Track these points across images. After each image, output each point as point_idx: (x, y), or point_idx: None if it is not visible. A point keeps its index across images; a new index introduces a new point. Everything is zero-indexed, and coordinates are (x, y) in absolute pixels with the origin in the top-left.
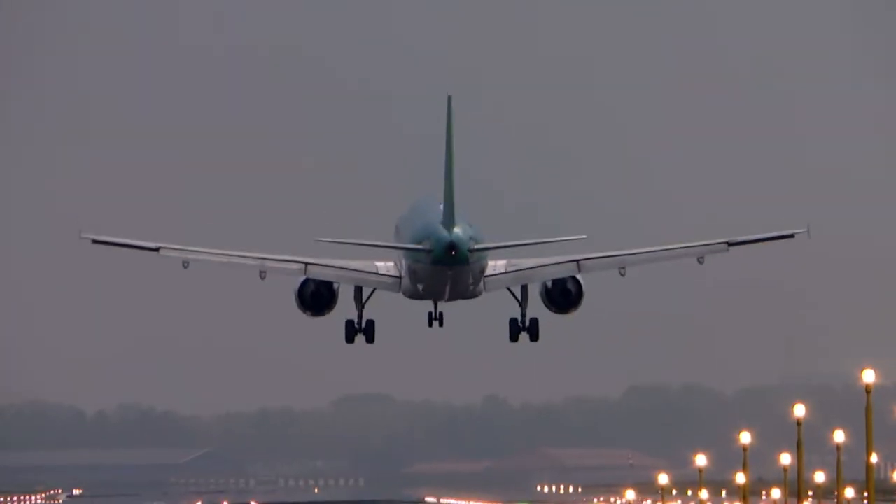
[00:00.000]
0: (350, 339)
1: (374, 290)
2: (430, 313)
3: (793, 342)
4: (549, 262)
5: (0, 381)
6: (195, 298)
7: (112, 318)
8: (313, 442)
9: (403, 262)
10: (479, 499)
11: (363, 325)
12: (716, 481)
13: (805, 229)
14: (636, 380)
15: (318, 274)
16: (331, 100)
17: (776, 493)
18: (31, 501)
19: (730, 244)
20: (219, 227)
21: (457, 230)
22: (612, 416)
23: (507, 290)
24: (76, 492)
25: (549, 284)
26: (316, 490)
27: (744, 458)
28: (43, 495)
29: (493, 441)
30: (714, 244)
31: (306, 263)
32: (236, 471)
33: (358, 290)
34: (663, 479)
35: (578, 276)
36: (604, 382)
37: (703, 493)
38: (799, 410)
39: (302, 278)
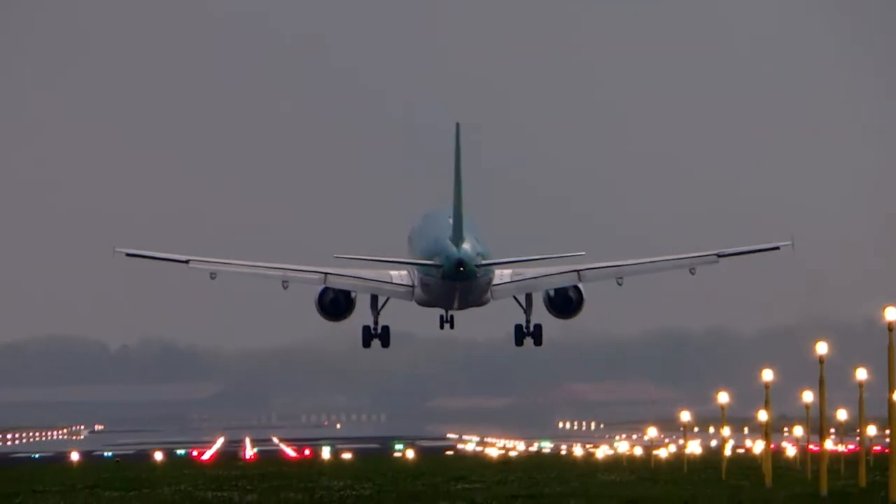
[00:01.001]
0: (367, 343)
1: (389, 297)
2: (441, 316)
3: (815, 282)
4: (552, 272)
5: (23, 317)
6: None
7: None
8: (336, 378)
9: (416, 274)
10: (500, 435)
11: (378, 330)
12: (738, 419)
13: (789, 241)
14: (659, 318)
15: (336, 283)
16: (351, 116)
17: (798, 430)
18: (53, 436)
19: (719, 256)
20: (245, 239)
21: (465, 247)
22: (635, 353)
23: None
24: (98, 427)
25: (552, 293)
26: (338, 425)
27: (766, 396)
28: (65, 430)
29: (515, 378)
30: (705, 255)
31: (325, 274)
32: (258, 406)
33: (374, 298)
34: (685, 416)
35: (579, 285)
36: (627, 321)
37: (726, 431)
38: (821, 348)
39: (321, 287)
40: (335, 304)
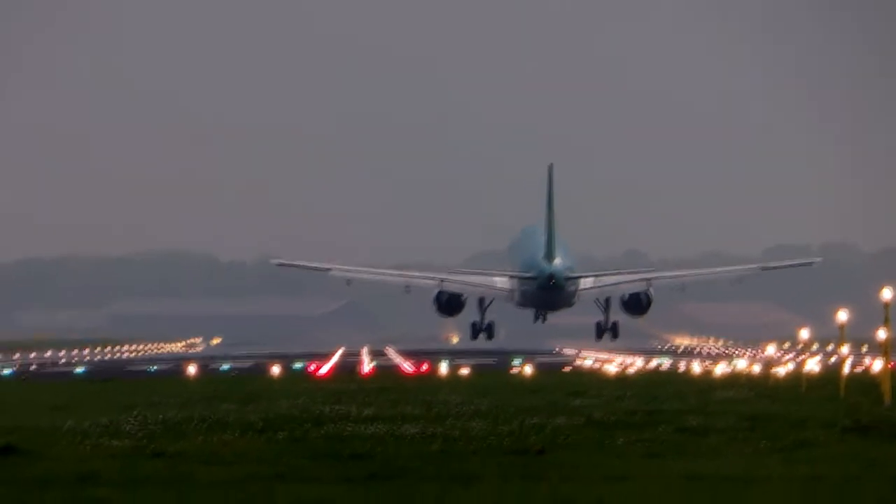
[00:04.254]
0: (475, 336)
1: (493, 299)
2: (535, 313)
3: None
4: (626, 280)
5: (138, 230)
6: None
7: (250, 171)
8: None
9: (515, 283)
10: (618, 352)
11: (484, 325)
12: (857, 338)
13: (820, 258)
14: (776, 238)
15: (449, 287)
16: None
17: None
18: (169, 348)
19: (763, 268)
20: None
21: (556, 263)
22: (753, 272)
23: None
24: (215, 341)
25: (626, 297)
26: (455, 340)
27: (885, 314)
28: (182, 343)
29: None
30: (751, 268)
31: (441, 279)
32: (373, 322)
33: (480, 300)
34: (804, 334)
35: (649, 290)
36: (744, 239)
37: (844, 349)
38: None
39: (437, 290)
40: (449, 304)
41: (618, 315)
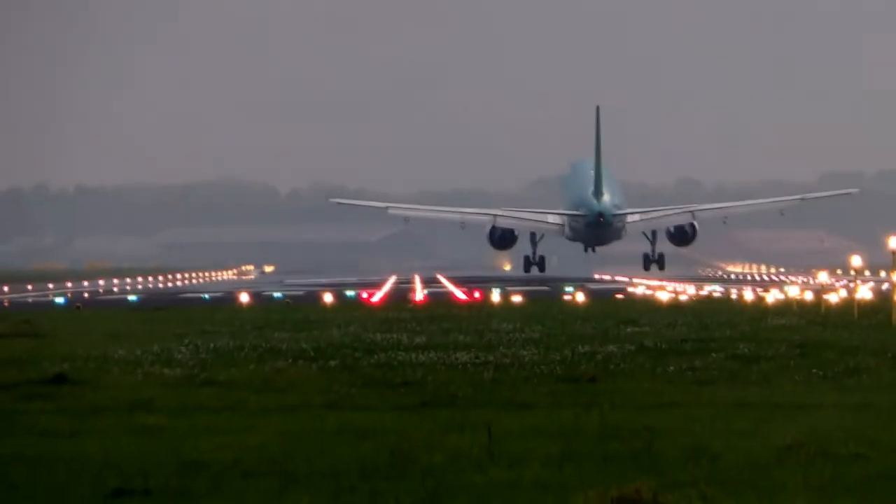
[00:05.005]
0: (527, 269)
1: (544, 235)
2: (585, 247)
3: None
4: (672, 212)
5: (195, 159)
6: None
7: (309, 100)
8: None
9: (565, 219)
10: (671, 279)
11: (536, 258)
12: None
13: (857, 189)
14: (831, 164)
15: (503, 223)
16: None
17: None
18: (221, 277)
19: (802, 199)
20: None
21: (605, 200)
22: (793, 203)
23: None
24: (267, 269)
25: (672, 229)
26: (508, 267)
27: None
28: (235, 271)
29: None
30: (791, 199)
31: (495, 215)
32: (426, 251)
33: (532, 235)
34: (856, 260)
35: (694, 222)
36: (799, 167)
37: None
38: None
39: (491, 225)
40: (502, 239)
41: (664, 246)
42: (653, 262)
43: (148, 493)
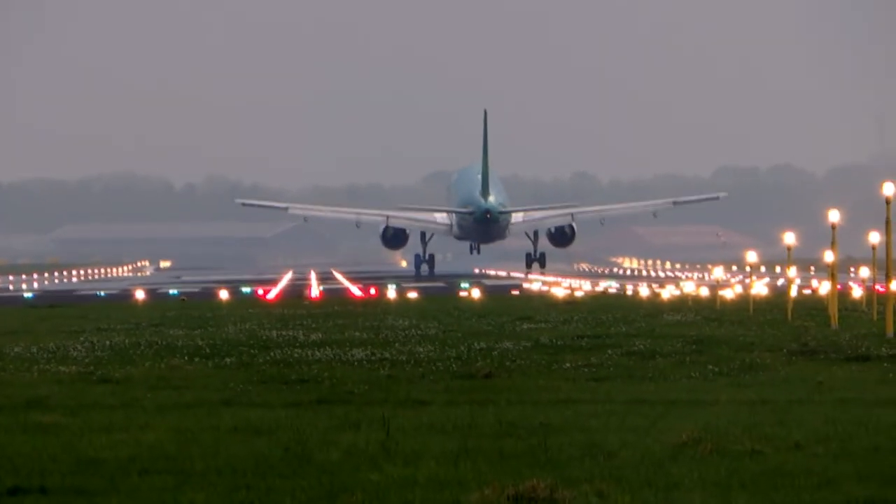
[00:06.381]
0: (417, 266)
1: (433, 234)
2: (470, 245)
3: (883, 121)
4: (553, 214)
5: (89, 153)
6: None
7: (202, 92)
8: None
9: (454, 217)
10: (566, 275)
11: (426, 257)
12: (804, 259)
13: (725, 193)
14: (725, 159)
15: (394, 223)
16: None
17: (865, 271)
18: (117, 273)
19: (675, 203)
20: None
21: (491, 199)
22: (666, 206)
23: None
24: (164, 264)
25: (553, 230)
26: (404, 263)
27: (832, 237)
28: (130, 267)
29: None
30: (664, 202)
31: (387, 216)
32: (323, 245)
33: (422, 234)
34: (752, 256)
35: (573, 224)
36: (694, 161)
37: (792, 272)
38: (888, 189)
39: (384, 225)
40: (395, 238)
41: (546, 245)
42: (534, 261)
43: (44, 491)
